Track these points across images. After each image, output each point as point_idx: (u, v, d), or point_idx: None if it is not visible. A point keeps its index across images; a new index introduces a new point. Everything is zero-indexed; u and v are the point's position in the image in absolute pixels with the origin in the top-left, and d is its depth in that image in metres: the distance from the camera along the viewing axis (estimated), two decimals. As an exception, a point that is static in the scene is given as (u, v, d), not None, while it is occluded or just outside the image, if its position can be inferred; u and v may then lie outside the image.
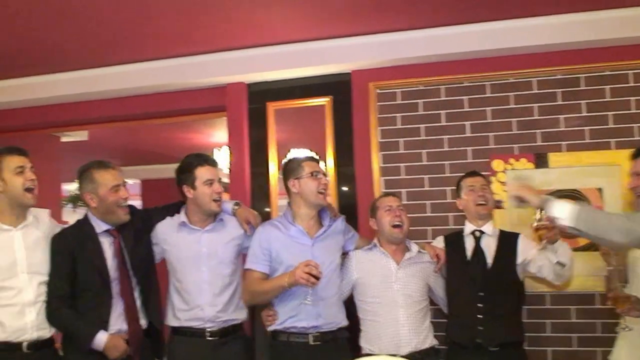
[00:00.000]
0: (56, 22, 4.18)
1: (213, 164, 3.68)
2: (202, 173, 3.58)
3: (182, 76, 4.98)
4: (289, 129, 5.02)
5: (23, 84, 5.40)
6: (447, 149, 4.56)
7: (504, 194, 4.36)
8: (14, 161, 3.33)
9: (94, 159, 3.61)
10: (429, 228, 4.51)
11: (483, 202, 3.75)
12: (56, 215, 6.42)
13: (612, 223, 2.80)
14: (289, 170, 3.67)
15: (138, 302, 3.51)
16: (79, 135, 6.64)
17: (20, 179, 3.31)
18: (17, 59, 4.90)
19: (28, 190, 3.33)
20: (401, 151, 4.65)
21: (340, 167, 4.78)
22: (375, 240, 3.78)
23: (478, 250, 3.72)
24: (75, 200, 6.57)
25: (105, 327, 3.34)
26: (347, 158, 4.74)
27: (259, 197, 4.89)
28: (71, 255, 3.39)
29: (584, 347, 4.16)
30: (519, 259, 3.66)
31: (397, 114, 4.68)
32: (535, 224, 3.40)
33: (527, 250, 3.66)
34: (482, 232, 3.75)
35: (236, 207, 3.77)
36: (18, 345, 3.22)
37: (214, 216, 3.68)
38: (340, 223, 3.77)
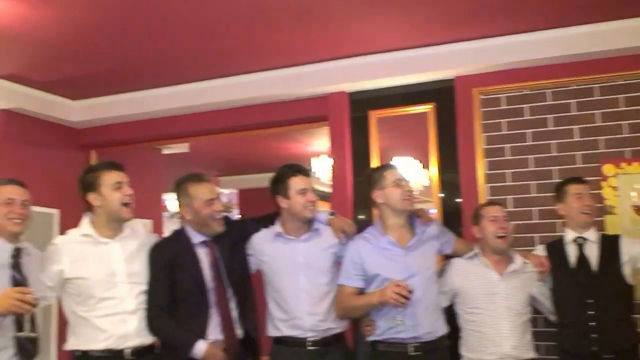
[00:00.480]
0: (159, 37, 4.37)
1: (306, 173, 3.70)
2: (295, 183, 3.60)
3: (283, 87, 5.10)
4: (392, 136, 5.05)
5: (128, 99, 5.66)
6: (555, 154, 4.51)
7: (615, 199, 4.27)
8: (112, 177, 3.40)
9: (193, 170, 3.70)
10: (536, 235, 4.44)
11: (589, 212, 3.69)
12: (157, 226, 6.66)
13: None
14: (372, 182, 3.66)
15: (234, 313, 3.55)
16: (180, 148, 6.83)
17: (118, 194, 3.37)
18: (122, 74, 5.14)
19: (125, 205, 3.39)
20: (507, 157, 4.62)
21: (444, 175, 4.78)
22: (477, 249, 3.74)
23: (582, 257, 3.66)
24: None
25: (203, 336, 3.40)
26: (451, 165, 4.74)
27: (361, 205, 4.90)
28: (169, 265, 3.47)
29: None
30: (625, 258, 3.59)
31: (502, 120, 4.66)
32: (635, 202, 3.34)
33: (631, 247, 3.61)
34: (584, 239, 3.69)
35: (331, 217, 3.78)
36: (120, 352, 3.30)
37: (308, 226, 3.70)
38: (434, 228, 3.73)
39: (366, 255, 3.54)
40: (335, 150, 5.07)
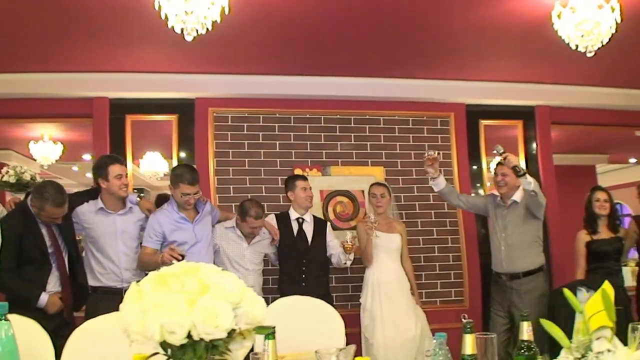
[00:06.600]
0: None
1: (121, 162, 4.76)
2: (113, 169, 4.57)
3: (59, 88, 6.17)
4: (144, 136, 6.47)
5: None
6: (263, 159, 6.39)
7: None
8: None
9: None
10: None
11: (310, 201, 5.23)
12: None
13: None
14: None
15: (68, 269, 4.39)
16: None
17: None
18: None
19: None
20: (230, 159, 6.35)
21: (182, 168, 6.29)
22: (233, 223, 4.98)
23: (301, 232, 5.19)
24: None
25: (44, 289, 4.19)
26: (189, 161, 6.22)
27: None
28: (18, 236, 4.15)
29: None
30: (327, 239, 5.26)
31: (228, 132, 6.39)
32: (346, 244, 5.01)
33: (329, 237, 5.28)
34: (303, 219, 5.24)
35: (139, 199, 4.88)
36: None
37: (123, 203, 4.68)
38: (208, 205, 4.94)
39: (165, 225, 4.63)
40: (96, 143, 6.26)
